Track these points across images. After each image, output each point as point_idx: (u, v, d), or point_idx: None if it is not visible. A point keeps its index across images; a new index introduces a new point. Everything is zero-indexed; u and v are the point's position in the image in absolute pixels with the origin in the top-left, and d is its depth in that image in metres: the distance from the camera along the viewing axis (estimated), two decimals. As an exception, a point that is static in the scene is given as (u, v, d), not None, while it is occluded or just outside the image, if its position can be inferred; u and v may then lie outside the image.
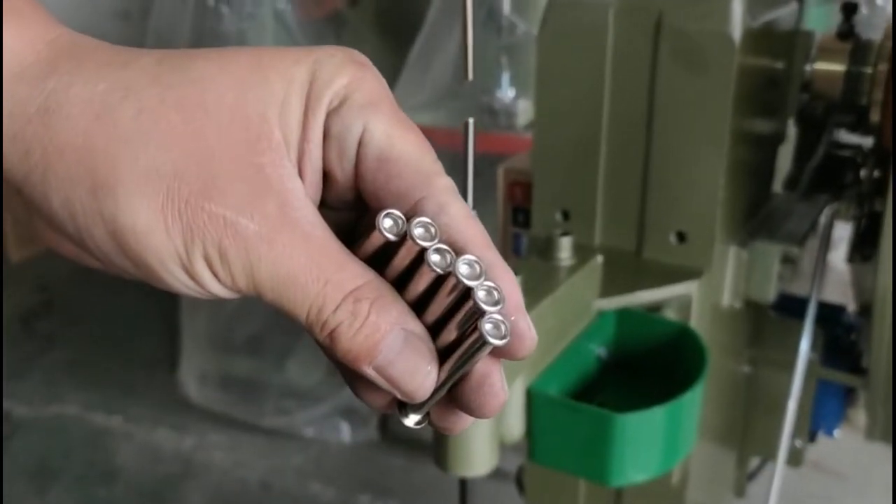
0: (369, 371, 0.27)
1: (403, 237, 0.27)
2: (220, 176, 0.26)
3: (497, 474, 1.35)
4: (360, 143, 0.28)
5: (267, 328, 2.00)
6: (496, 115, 1.51)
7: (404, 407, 0.30)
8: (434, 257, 0.27)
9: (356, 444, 1.93)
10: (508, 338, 0.26)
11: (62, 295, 2.57)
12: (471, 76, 0.48)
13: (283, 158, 0.27)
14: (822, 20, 2.05)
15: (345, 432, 1.94)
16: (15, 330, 2.35)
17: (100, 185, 0.26)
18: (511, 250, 0.87)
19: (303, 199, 0.27)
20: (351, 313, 0.27)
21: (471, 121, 0.48)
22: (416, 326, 0.28)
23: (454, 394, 0.29)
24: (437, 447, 0.56)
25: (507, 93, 1.51)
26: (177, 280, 0.27)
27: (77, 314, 2.46)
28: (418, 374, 0.28)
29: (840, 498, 1.76)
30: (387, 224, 0.28)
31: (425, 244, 0.27)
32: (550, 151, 0.75)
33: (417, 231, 0.27)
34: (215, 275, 0.27)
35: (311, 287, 0.27)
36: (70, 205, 0.26)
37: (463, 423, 0.29)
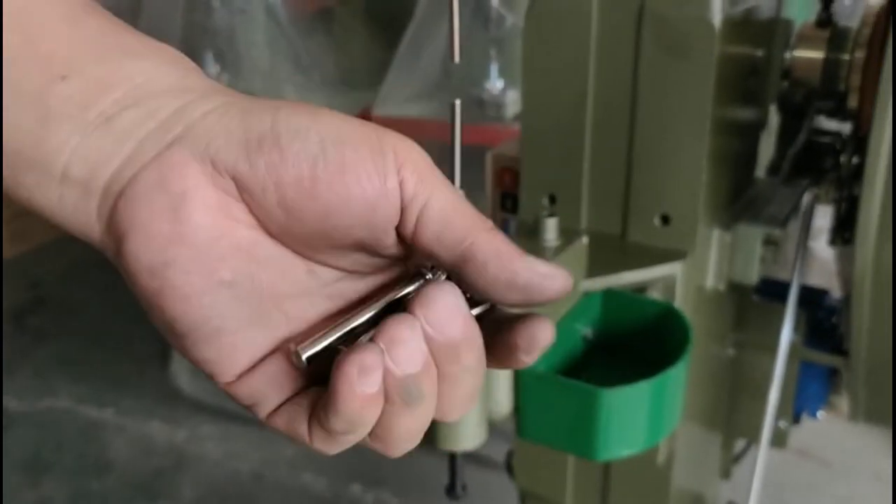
0: (522, 265, 0.31)
1: None
2: None
3: (487, 463, 1.37)
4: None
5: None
6: (485, 107, 1.52)
7: None
8: None
9: (348, 434, 1.95)
10: None
11: (54, 290, 2.57)
12: (457, 59, 0.50)
13: None
14: (806, 8, 2.07)
15: (337, 423, 1.96)
16: (7, 325, 2.36)
17: None
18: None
19: None
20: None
21: (457, 102, 0.49)
22: None
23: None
24: (427, 422, 0.57)
25: (495, 84, 1.52)
26: None
27: (69, 309, 2.47)
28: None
29: (825, 485, 1.78)
30: None
31: None
32: (537, 137, 0.77)
33: None
34: None
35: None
36: None
37: None
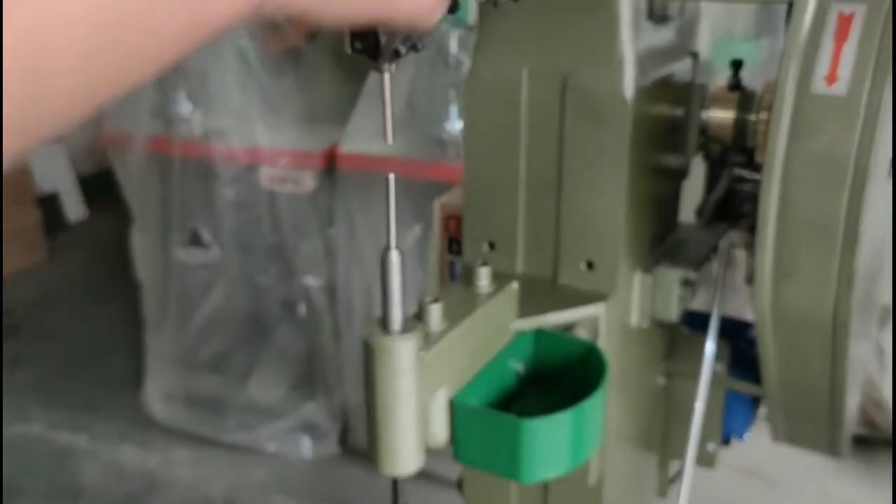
0: None
1: None
2: None
3: (440, 481, 1.44)
4: None
5: (230, 347, 2.07)
6: (445, 146, 1.61)
7: None
8: None
9: (317, 457, 2.01)
10: None
11: (27, 317, 2.61)
12: (390, 141, 0.58)
13: None
14: (751, 53, 2.19)
15: (306, 447, 2.02)
16: (-20, 352, 2.39)
17: None
18: (448, 276, 0.97)
19: None
20: None
21: (391, 176, 0.58)
22: None
23: None
24: (370, 450, 0.65)
25: (454, 125, 1.62)
26: None
27: (42, 336, 2.51)
28: None
29: (771, 503, 1.87)
30: None
31: None
32: (478, 190, 0.85)
33: None
34: None
35: None
36: None
37: None
